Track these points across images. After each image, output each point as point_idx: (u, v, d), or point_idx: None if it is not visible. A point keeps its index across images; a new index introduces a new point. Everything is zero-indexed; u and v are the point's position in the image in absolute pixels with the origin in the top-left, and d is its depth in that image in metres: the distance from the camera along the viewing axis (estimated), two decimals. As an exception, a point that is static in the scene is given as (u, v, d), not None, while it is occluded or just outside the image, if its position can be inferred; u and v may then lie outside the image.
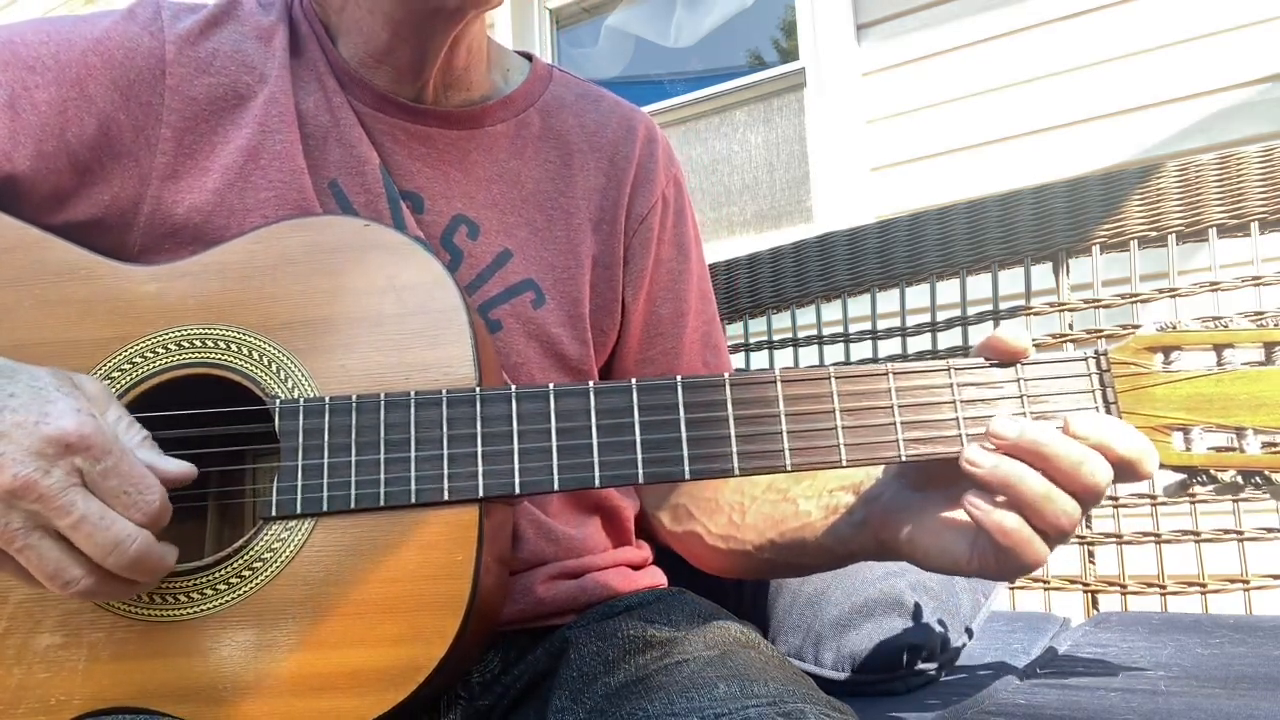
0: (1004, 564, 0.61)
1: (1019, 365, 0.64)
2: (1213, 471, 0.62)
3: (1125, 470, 0.59)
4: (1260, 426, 0.61)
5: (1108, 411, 0.63)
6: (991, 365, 0.64)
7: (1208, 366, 0.63)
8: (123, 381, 0.66)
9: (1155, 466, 0.60)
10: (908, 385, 0.64)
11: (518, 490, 0.63)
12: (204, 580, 0.63)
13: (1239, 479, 0.62)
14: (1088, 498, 0.59)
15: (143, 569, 0.57)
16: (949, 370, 0.64)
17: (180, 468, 0.61)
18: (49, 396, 0.56)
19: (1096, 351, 0.64)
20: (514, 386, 0.65)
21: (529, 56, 0.93)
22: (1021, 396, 0.63)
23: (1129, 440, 0.59)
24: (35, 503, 0.54)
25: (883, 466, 0.71)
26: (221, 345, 0.67)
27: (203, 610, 0.62)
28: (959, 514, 0.64)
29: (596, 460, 0.64)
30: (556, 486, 0.63)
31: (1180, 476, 0.64)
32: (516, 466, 0.64)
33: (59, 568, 0.56)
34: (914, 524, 0.67)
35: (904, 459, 0.63)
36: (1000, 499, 0.60)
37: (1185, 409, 0.62)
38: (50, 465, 0.54)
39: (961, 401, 0.63)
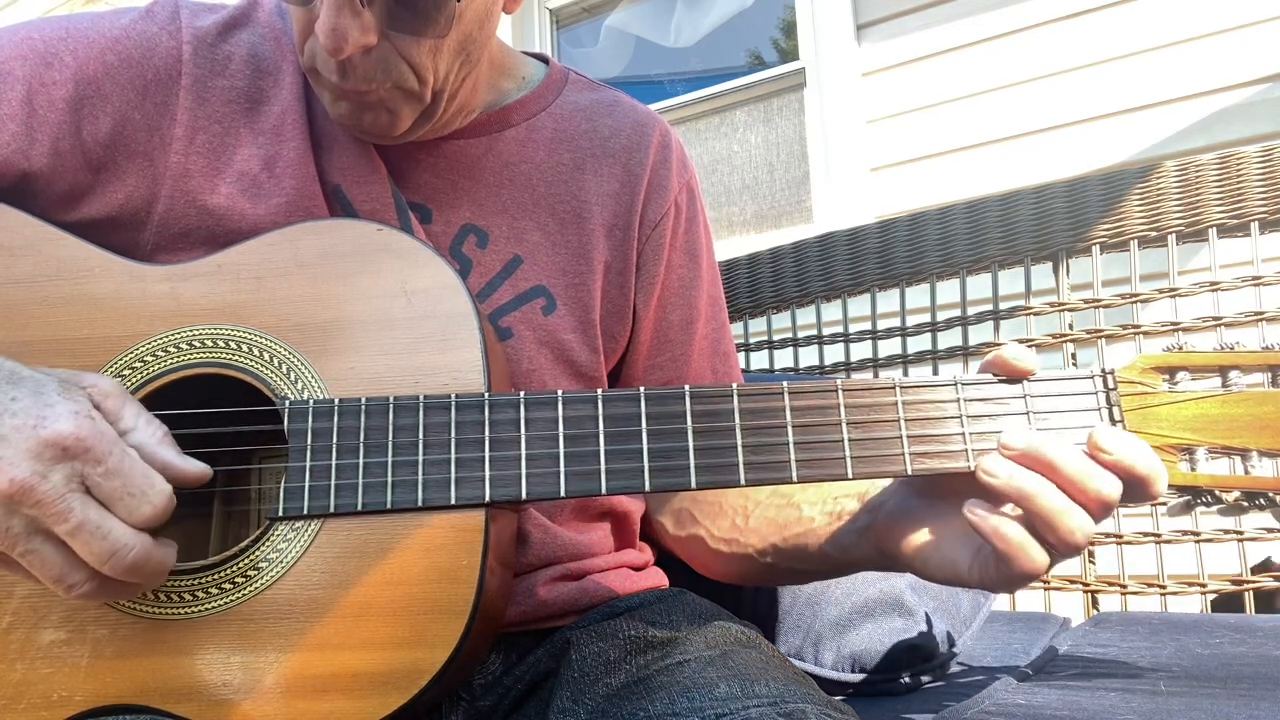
0: (1004, 572, 0.60)
1: (1025, 382, 0.64)
2: (1217, 492, 0.63)
3: (1137, 488, 0.59)
4: (1264, 448, 0.62)
5: None
6: (998, 382, 0.64)
7: (1213, 388, 0.63)
8: (133, 380, 0.66)
9: (1164, 487, 0.60)
10: (914, 400, 0.64)
11: (524, 496, 0.63)
12: (209, 579, 0.63)
13: (1243, 500, 0.63)
14: (1096, 511, 0.59)
15: (141, 574, 0.57)
16: (956, 386, 0.64)
17: (197, 468, 0.61)
18: (49, 400, 0.56)
19: (1103, 370, 0.64)
20: (522, 392, 0.65)
21: (546, 60, 0.92)
22: (1028, 414, 0.64)
23: (1146, 459, 0.59)
24: (33, 508, 0.54)
25: None
26: (232, 346, 0.67)
27: (207, 609, 0.62)
28: (963, 524, 0.63)
29: (603, 469, 0.63)
30: (563, 494, 0.63)
31: (1184, 497, 0.64)
32: (523, 473, 0.63)
33: (61, 572, 0.56)
34: (917, 532, 0.66)
35: (910, 473, 0.63)
36: (1015, 511, 0.59)
37: (1190, 429, 0.63)
38: (48, 469, 0.54)
39: (968, 417, 0.64)
